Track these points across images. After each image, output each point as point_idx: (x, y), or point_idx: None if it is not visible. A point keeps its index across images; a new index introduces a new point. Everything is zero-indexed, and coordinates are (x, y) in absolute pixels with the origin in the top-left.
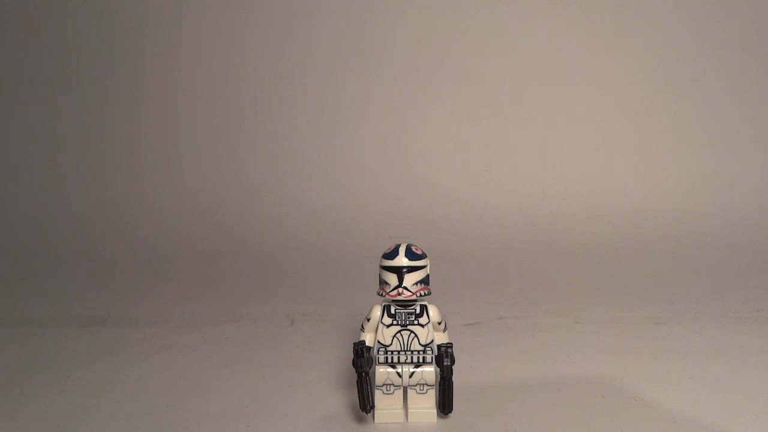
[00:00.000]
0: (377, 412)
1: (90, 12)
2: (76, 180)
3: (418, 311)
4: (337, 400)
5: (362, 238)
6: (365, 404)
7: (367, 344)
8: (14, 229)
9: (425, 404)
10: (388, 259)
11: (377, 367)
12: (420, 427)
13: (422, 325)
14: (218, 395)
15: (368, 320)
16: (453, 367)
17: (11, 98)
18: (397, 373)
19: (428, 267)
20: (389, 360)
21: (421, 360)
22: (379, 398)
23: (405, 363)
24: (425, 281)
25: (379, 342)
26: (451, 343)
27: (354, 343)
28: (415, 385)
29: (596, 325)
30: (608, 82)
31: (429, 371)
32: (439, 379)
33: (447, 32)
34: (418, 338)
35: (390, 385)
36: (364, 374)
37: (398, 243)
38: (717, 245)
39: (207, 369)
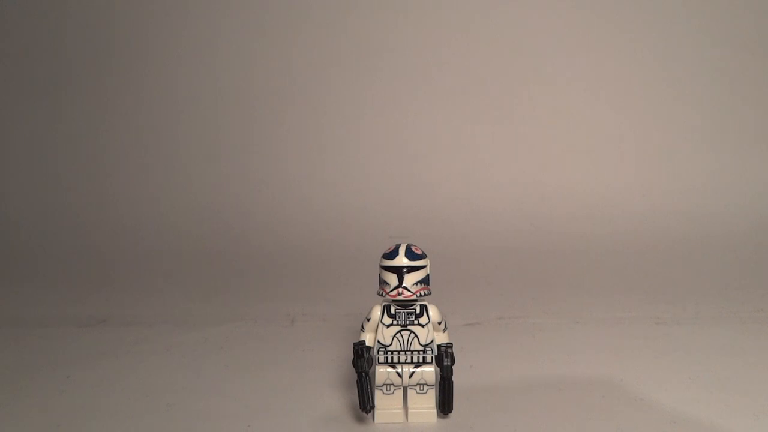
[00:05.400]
0: (377, 412)
1: (90, 12)
2: (76, 180)
3: (418, 311)
4: (337, 400)
5: (362, 238)
6: (365, 404)
7: (367, 344)
8: (14, 230)
9: (425, 404)
10: (388, 259)
11: (377, 367)
12: (420, 427)
13: (422, 325)
14: (218, 395)
15: (368, 320)
16: (453, 367)
17: (11, 98)
18: (397, 373)
19: (428, 267)
20: (389, 360)
21: (421, 360)
22: (379, 398)
23: (405, 363)
24: (425, 281)
25: (379, 342)
26: (451, 343)
27: (354, 343)
28: (415, 385)
29: (596, 325)
30: (608, 81)
31: (429, 371)
32: (439, 379)
33: (447, 32)
34: (418, 338)
35: (390, 385)
36: (364, 374)
37: (398, 243)
38: (717, 245)
39: (207, 369)
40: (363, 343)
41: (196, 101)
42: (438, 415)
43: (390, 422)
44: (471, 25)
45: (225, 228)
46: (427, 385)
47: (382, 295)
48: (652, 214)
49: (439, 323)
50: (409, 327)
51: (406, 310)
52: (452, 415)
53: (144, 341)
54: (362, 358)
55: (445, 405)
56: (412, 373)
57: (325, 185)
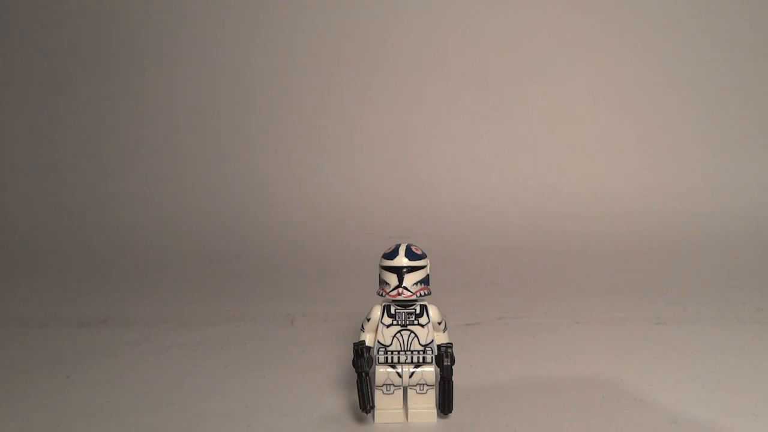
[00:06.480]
0: (377, 412)
1: (90, 12)
2: (76, 180)
3: (418, 311)
4: (337, 400)
5: (362, 238)
6: (365, 404)
7: (367, 344)
8: (14, 229)
9: (425, 404)
10: (388, 259)
11: (377, 367)
12: (420, 427)
13: (422, 325)
14: (218, 395)
15: (368, 320)
16: (453, 367)
17: (11, 98)
18: (397, 373)
19: (428, 267)
20: (389, 360)
21: (421, 360)
22: (379, 398)
23: (405, 363)
24: (425, 281)
25: (379, 342)
26: (451, 343)
27: (354, 343)
28: (415, 385)
29: (596, 325)
30: (608, 81)
31: (429, 371)
32: (439, 379)
33: (447, 32)
34: (418, 338)
35: (390, 385)
36: (364, 374)
37: (398, 243)
38: (717, 245)
39: (207, 369)
40: (363, 343)
41: (196, 101)
42: (438, 415)
43: (390, 422)
44: (471, 25)
45: (225, 228)
46: (427, 385)
47: (382, 295)
48: (652, 214)
49: (439, 323)
50: (409, 327)
51: (406, 310)
52: (452, 415)
53: (144, 341)
54: (362, 358)
55: (445, 405)
56: (412, 373)
57: (325, 185)
